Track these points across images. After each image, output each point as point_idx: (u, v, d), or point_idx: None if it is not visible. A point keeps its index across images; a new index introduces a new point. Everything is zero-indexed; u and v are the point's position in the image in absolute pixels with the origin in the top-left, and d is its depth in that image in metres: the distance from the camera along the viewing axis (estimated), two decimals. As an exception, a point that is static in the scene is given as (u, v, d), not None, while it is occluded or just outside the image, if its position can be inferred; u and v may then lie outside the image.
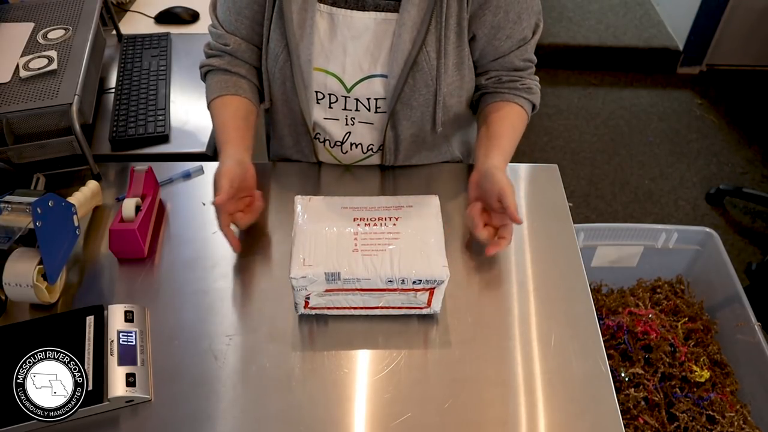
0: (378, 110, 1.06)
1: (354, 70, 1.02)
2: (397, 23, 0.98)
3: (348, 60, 1.01)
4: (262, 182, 1.14)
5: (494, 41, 1.03)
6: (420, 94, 1.03)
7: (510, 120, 1.07)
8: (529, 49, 1.07)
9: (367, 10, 0.99)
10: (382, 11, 0.99)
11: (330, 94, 1.05)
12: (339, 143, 1.12)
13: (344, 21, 1.00)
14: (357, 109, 1.06)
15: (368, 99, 1.05)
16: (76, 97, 1.09)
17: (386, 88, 1.03)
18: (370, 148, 1.12)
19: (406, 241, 0.88)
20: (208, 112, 1.08)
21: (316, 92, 1.06)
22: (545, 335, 0.90)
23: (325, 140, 1.13)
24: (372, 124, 1.08)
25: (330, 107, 1.07)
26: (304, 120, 1.08)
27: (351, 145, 1.12)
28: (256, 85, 1.11)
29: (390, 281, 0.85)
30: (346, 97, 1.05)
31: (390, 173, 1.16)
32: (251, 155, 1.01)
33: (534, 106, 1.11)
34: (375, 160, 1.15)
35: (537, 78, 1.11)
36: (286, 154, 1.19)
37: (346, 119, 1.08)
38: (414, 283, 0.85)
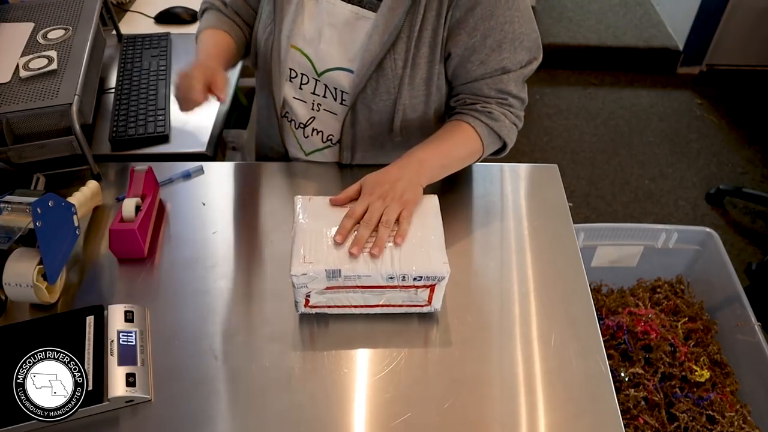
0: (343, 102, 1.07)
1: (325, 57, 1.03)
2: (372, 23, 0.98)
3: (321, 46, 1.03)
4: (258, 183, 1.14)
5: (467, 64, 0.99)
6: (380, 99, 1.03)
7: (446, 131, 1.01)
8: (507, 81, 1.00)
9: (350, 2, 1.00)
10: (364, 7, 0.99)
11: (302, 74, 1.07)
12: (303, 126, 1.13)
13: (327, 7, 1.01)
14: (324, 96, 1.07)
15: (335, 89, 1.06)
16: (76, 97, 1.09)
17: (350, 84, 1.03)
18: (329, 138, 1.13)
19: (406, 239, 0.88)
20: (207, 112, 1.08)
21: (291, 69, 1.07)
22: (545, 335, 0.90)
23: (291, 120, 1.14)
24: (336, 114, 1.09)
25: (300, 88, 1.09)
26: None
27: (313, 130, 1.13)
28: (244, 36, 1.15)
29: (391, 278, 0.85)
30: (316, 80, 1.06)
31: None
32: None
33: (498, 136, 1.02)
34: (331, 154, 1.15)
35: (514, 114, 1.03)
36: (260, 142, 1.22)
37: (313, 104, 1.09)
38: (415, 279, 0.85)
